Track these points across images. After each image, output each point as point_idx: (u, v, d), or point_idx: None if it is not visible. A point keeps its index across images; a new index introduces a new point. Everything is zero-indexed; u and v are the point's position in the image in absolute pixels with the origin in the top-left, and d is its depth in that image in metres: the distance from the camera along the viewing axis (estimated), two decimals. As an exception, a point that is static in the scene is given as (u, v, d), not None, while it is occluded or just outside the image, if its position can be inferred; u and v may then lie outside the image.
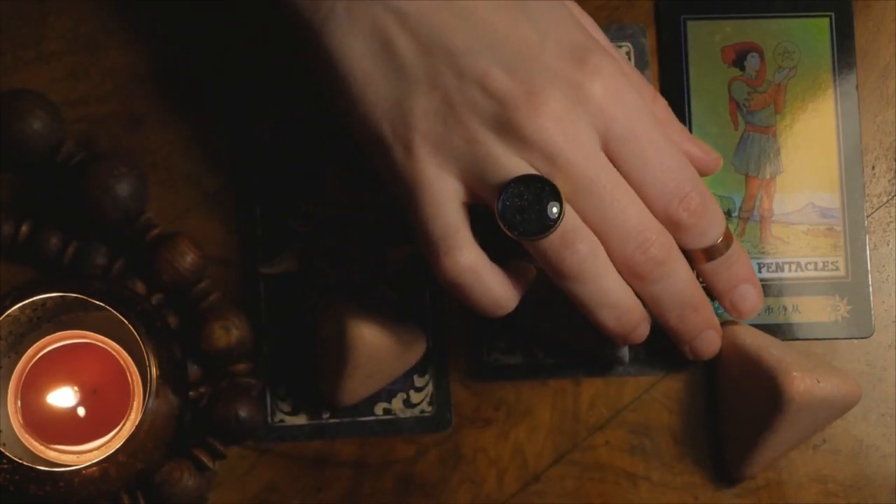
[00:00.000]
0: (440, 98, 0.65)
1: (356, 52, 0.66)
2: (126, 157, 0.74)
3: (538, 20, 0.66)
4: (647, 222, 0.66)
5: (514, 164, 0.64)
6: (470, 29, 0.65)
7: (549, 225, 0.64)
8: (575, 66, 0.65)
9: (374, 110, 0.66)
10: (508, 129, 0.64)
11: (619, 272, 0.67)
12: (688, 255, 0.69)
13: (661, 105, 0.72)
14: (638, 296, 0.68)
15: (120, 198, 0.72)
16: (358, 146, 0.69)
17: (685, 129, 0.73)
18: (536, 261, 0.67)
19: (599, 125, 0.65)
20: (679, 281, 0.68)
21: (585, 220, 0.65)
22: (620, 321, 0.68)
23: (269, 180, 0.76)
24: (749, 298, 0.72)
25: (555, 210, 0.64)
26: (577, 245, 0.65)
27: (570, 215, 0.65)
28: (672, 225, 0.67)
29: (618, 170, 0.65)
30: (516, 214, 0.64)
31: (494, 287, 0.67)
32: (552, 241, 0.65)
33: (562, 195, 0.64)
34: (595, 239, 0.65)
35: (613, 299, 0.67)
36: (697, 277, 0.70)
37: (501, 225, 0.64)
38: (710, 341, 0.72)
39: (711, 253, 0.69)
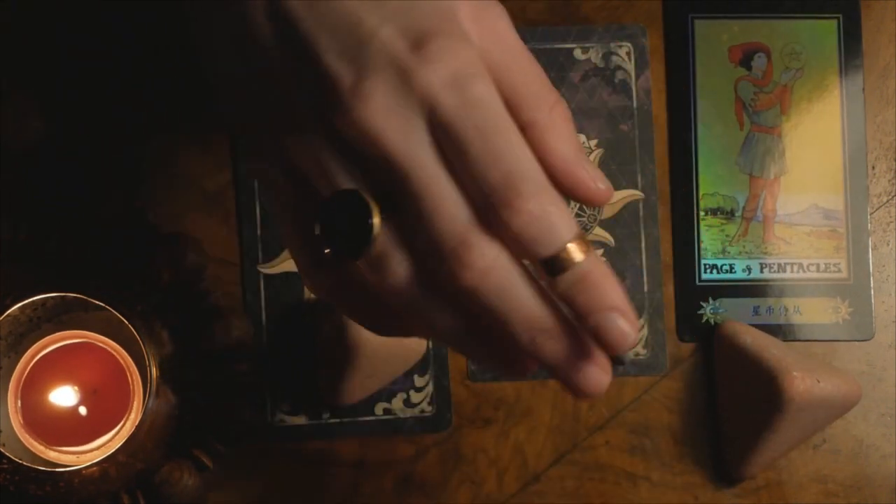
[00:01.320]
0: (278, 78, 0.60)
1: (213, 27, 0.62)
2: (126, 158, 0.74)
3: (387, 4, 0.60)
4: (469, 226, 0.56)
5: (334, 165, 0.58)
6: (311, 5, 0.59)
7: (365, 244, 0.56)
8: (410, 51, 0.58)
9: (224, 90, 0.62)
10: (328, 117, 0.58)
11: (445, 286, 0.57)
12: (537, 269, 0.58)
13: (559, 112, 0.61)
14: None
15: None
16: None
17: (579, 148, 0.60)
18: None
19: (425, 114, 0.58)
20: (515, 298, 0.56)
21: (410, 214, 0.57)
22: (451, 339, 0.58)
23: (270, 179, 0.76)
24: (614, 328, 0.55)
25: (371, 224, 0.57)
26: (392, 266, 0.57)
27: (383, 234, 0.57)
28: (498, 229, 0.56)
29: (454, 158, 0.57)
30: (333, 234, 0.57)
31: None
32: (365, 262, 0.57)
33: (374, 211, 0.57)
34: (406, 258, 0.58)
35: (434, 322, 0.58)
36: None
37: (326, 245, 0.58)
38: (590, 378, 0.56)
39: (553, 266, 0.56)
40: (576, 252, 0.55)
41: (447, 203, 0.56)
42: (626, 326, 0.55)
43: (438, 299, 0.57)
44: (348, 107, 0.57)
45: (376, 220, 0.56)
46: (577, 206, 0.77)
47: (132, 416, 0.71)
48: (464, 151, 0.57)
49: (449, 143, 0.57)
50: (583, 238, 0.56)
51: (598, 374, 0.56)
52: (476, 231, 0.56)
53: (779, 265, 0.77)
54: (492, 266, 0.55)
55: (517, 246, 0.56)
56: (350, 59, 0.58)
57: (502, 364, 0.58)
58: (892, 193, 0.78)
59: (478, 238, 0.56)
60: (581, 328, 0.56)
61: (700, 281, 0.77)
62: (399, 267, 0.57)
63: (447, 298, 0.57)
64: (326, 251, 0.58)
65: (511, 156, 0.57)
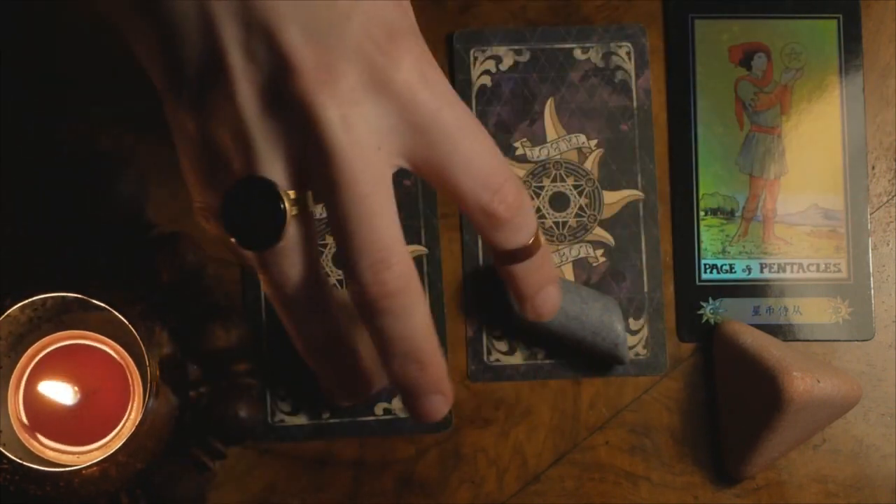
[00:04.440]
0: (218, 49, 0.55)
1: None
2: (126, 158, 0.74)
3: None
4: (394, 245, 0.56)
5: (258, 146, 0.55)
6: None
7: (272, 241, 0.56)
8: (382, 44, 0.55)
9: (149, 57, 0.57)
10: (283, 96, 0.55)
11: (353, 299, 0.57)
12: (500, 258, 0.61)
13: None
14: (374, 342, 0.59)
15: (120, 198, 0.72)
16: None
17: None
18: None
19: (400, 112, 0.56)
20: (411, 324, 0.57)
21: (332, 220, 0.56)
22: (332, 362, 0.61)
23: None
24: (551, 300, 0.63)
25: (283, 220, 0.56)
26: (281, 267, 0.57)
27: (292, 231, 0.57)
28: (486, 219, 0.59)
29: (428, 158, 0.57)
30: (240, 215, 0.56)
31: None
32: (266, 256, 0.57)
33: (288, 208, 0.55)
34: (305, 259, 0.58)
35: (301, 327, 0.60)
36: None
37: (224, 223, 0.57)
38: (433, 408, 0.60)
39: (523, 254, 0.61)
40: (538, 237, 0.61)
41: (382, 222, 0.56)
42: (558, 295, 0.63)
43: (318, 307, 0.58)
44: (308, 87, 0.54)
45: (289, 217, 0.56)
46: (577, 206, 0.77)
47: (132, 416, 0.71)
48: (452, 152, 0.57)
49: (433, 141, 0.57)
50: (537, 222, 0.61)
51: (442, 403, 0.60)
52: (400, 252, 0.56)
53: (779, 265, 0.77)
54: (404, 289, 0.56)
55: (500, 233, 0.59)
56: (316, 38, 0.55)
57: (346, 384, 0.61)
58: (892, 193, 0.78)
59: (399, 259, 0.56)
60: (523, 301, 0.62)
61: (700, 281, 0.77)
62: (293, 269, 0.57)
63: (325, 308, 0.58)
64: (231, 239, 0.56)
65: (489, 150, 0.58)
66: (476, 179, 0.58)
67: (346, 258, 0.56)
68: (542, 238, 0.61)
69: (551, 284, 0.63)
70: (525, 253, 0.61)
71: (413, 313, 0.57)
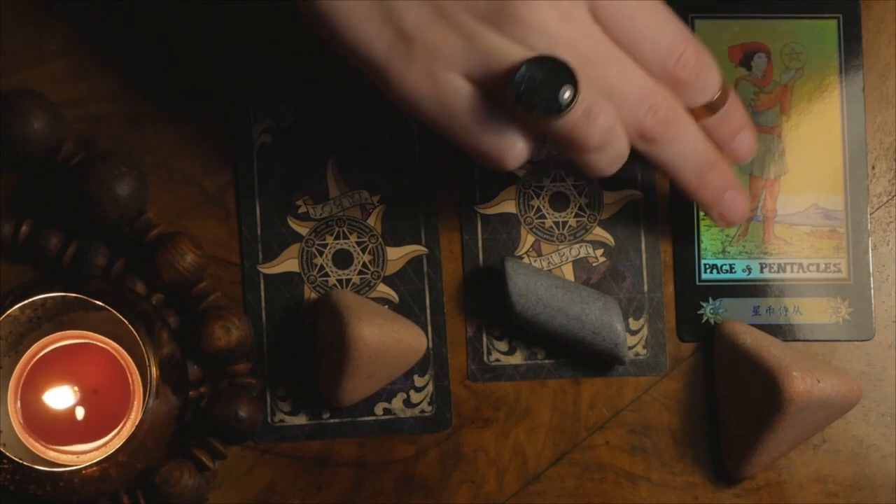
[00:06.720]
0: (429, 3, 0.64)
1: None
2: (126, 157, 0.74)
3: None
4: (651, 86, 0.67)
5: (517, 51, 0.64)
6: None
7: (569, 102, 0.64)
8: None
9: (362, 35, 0.65)
10: (504, 18, 0.64)
11: (632, 139, 0.68)
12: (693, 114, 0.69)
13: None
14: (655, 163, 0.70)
15: (120, 198, 0.72)
16: (369, 85, 0.68)
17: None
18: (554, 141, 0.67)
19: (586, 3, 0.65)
20: (691, 140, 0.69)
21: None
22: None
23: (269, 180, 0.76)
24: (746, 143, 0.73)
25: (568, 93, 0.63)
26: (600, 118, 0.65)
27: (586, 89, 0.64)
28: (672, 84, 0.68)
29: (611, 37, 0.66)
30: (533, 96, 0.63)
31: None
32: (575, 117, 0.65)
33: (574, 71, 0.63)
34: (612, 107, 0.66)
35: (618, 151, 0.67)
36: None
37: (521, 108, 0.64)
38: (735, 202, 0.72)
39: (712, 107, 0.70)
40: (724, 91, 0.70)
41: (635, 74, 0.66)
42: (753, 138, 0.73)
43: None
44: (521, 3, 0.64)
45: (579, 77, 0.64)
46: (577, 206, 0.77)
47: (132, 416, 0.71)
48: (633, 27, 0.66)
49: (615, 19, 0.66)
50: (723, 76, 0.70)
51: (740, 196, 0.73)
52: (657, 89, 0.67)
53: (779, 265, 0.77)
54: (675, 118, 0.68)
55: (686, 93, 0.69)
56: None
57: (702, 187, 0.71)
58: (892, 193, 0.78)
59: (661, 97, 0.67)
60: (720, 147, 0.72)
61: (700, 281, 0.77)
62: (605, 116, 0.66)
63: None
64: (531, 115, 0.64)
65: (666, 19, 0.68)
66: (657, 48, 0.67)
67: (625, 116, 0.67)
68: (731, 90, 0.71)
69: (746, 129, 0.72)
70: (712, 108, 0.70)
71: (689, 130, 0.69)
